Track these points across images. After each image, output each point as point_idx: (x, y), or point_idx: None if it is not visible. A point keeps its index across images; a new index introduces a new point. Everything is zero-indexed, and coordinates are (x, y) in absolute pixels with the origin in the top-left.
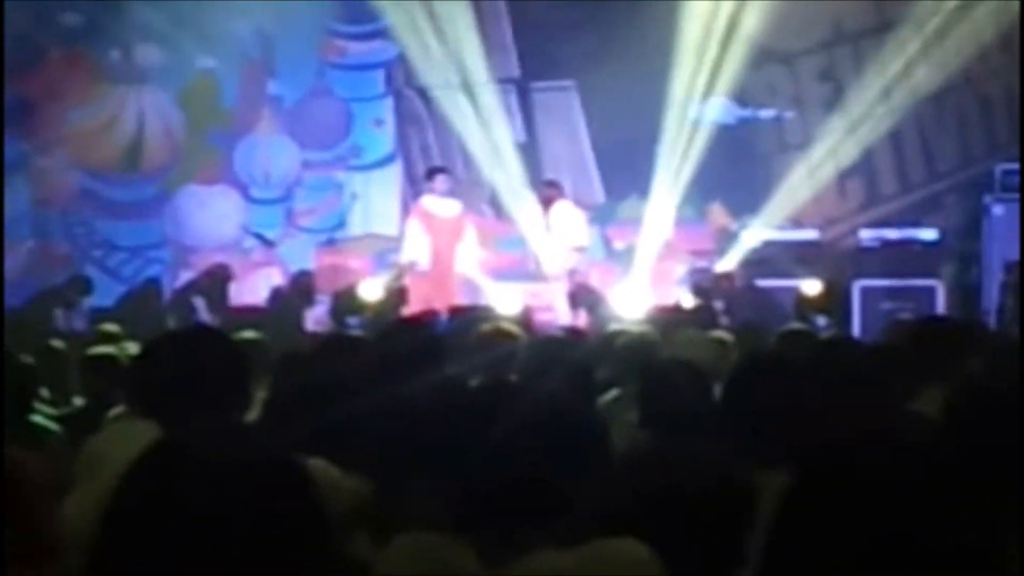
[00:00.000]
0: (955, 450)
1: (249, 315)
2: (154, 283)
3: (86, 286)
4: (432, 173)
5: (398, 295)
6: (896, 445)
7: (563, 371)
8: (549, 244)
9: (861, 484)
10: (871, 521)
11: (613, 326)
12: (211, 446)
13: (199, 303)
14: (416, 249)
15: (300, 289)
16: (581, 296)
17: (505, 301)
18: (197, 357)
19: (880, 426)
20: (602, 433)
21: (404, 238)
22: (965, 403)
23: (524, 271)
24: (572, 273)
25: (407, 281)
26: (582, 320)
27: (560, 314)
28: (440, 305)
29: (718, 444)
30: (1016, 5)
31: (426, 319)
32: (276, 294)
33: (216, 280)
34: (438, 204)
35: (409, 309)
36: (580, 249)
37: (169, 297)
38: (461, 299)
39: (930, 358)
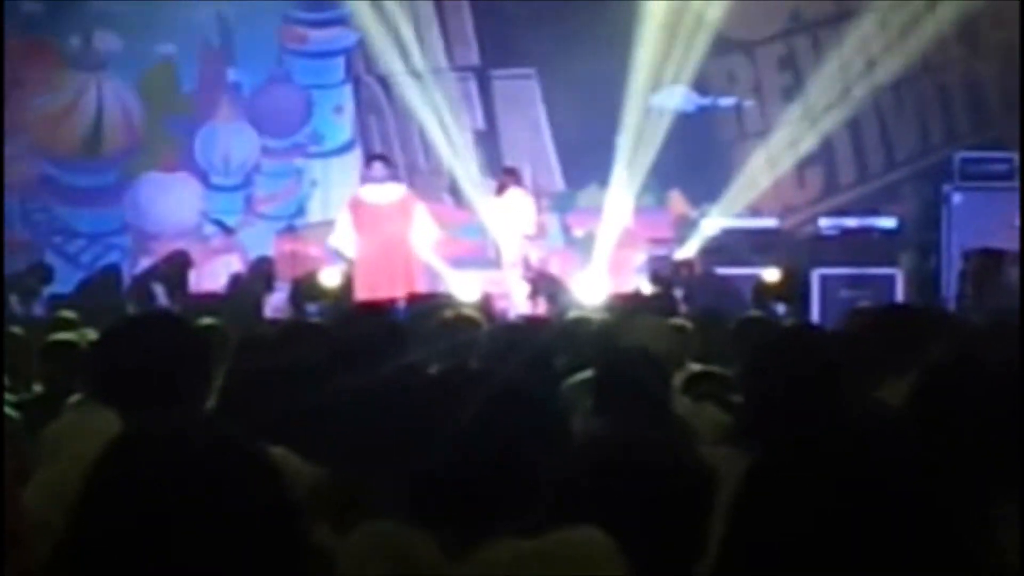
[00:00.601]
0: (919, 435)
1: (208, 301)
2: (114, 270)
3: (46, 274)
4: (369, 160)
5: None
6: (859, 429)
7: (523, 358)
8: (504, 232)
9: (822, 468)
10: (831, 506)
11: (572, 313)
12: (176, 436)
13: (158, 290)
14: (342, 239)
15: (260, 275)
16: (541, 284)
17: (465, 288)
18: (156, 344)
19: (844, 412)
20: (562, 420)
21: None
22: (930, 389)
23: (483, 259)
24: (525, 261)
25: (351, 269)
26: (541, 308)
27: (517, 302)
28: (387, 293)
29: (674, 430)
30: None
31: (385, 306)
32: (235, 280)
33: (175, 267)
34: (375, 192)
35: (356, 297)
36: (529, 237)
37: (128, 284)
38: (418, 287)
39: (894, 346)
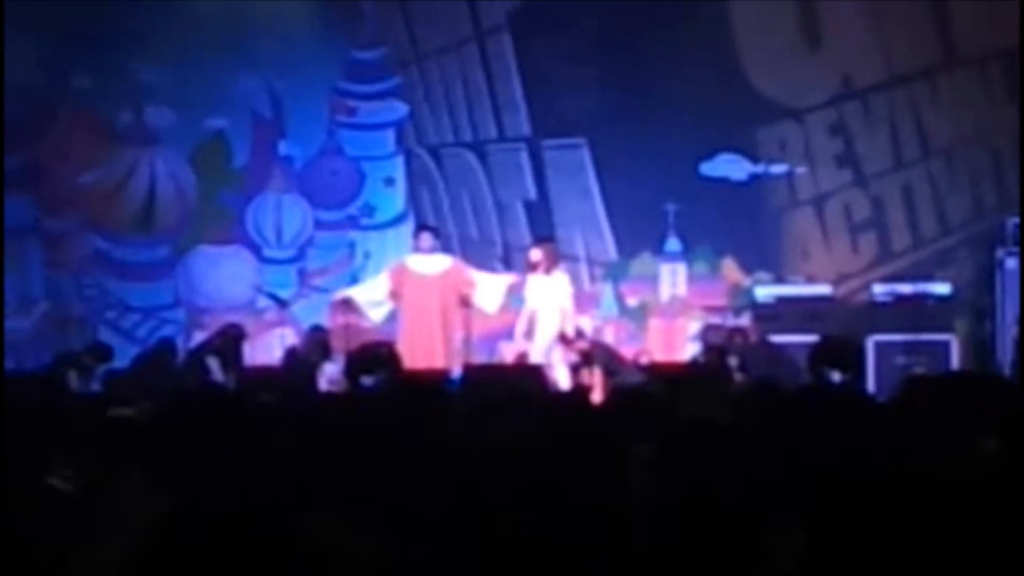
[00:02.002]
0: (989, 506)
1: (264, 375)
2: (168, 344)
3: (105, 353)
4: (418, 231)
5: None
6: (924, 502)
7: (583, 431)
8: (545, 304)
9: (883, 543)
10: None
11: (626, 382)
12: (221, 518)
13: (213, 363)
14: (364, 293)
15: (315, 344)
16: (596, 354)
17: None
18: (211, 421)
19: (906, 484)
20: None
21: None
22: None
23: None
24: (578, 331)
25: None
26: (594, 378)
27: (559, 376)
28: (430, 363)
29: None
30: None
31: (437, 376)
32: (291, 353)
33: (229, 340)
34: (422, 262)
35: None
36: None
37: (183, 358)
38: (472, 356)
39: (953, 414)
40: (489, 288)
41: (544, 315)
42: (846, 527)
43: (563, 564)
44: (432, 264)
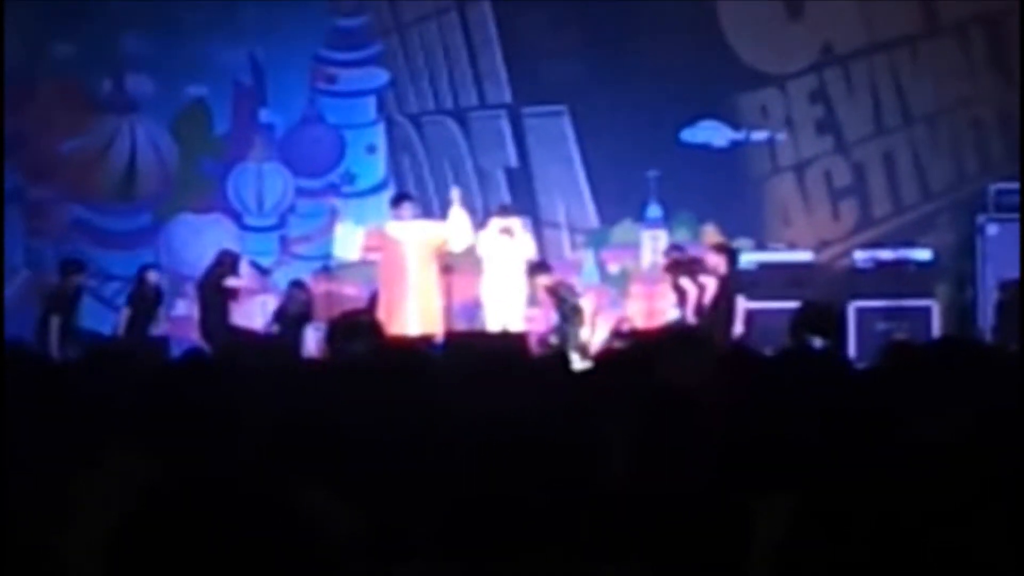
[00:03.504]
0: (972, 475)
1: (247, 339)
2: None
3: (76, 266)
4: (399, 200)
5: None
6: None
7: (558, 399)
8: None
9: (870, 511)
10: (881, 548)
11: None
12: (207, 487)
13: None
14: (344, 250)
15: (297, 304)
16: (561, 291)
17: (503, 324)
18: (196, 392)
19: (891, 454)
20: (590, 456)
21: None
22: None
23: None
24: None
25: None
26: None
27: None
28: (413, 331)
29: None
30: (1006, 27)
31: (420, 343)
32: (279, 314)
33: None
34: (401, 229)
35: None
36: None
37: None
38: (453, 324)
39: (934, 383)
40: (457, 229)
41: (513, 277)
42: (834, 494)
43: (546, 530)
44: (411, 231)
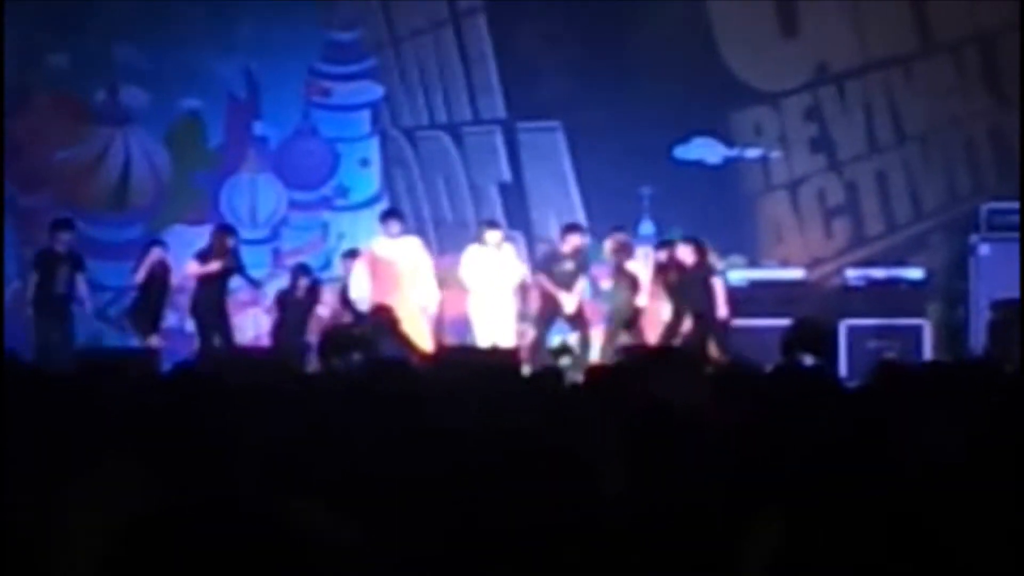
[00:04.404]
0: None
1: (249, 354)
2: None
3: (64, 224)
4: (386, 216)
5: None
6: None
7: (550, 411)
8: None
9: (865, 529)
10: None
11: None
12: (203, 508)
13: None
14: (360, 287)
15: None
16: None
17: (493, 339)
18: (191, 406)
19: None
20: (583, 472)
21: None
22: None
23: None
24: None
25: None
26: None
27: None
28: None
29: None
30: (1000, 47)
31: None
32: (281, 300)
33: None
34: (388, 247)
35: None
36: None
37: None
38: (445, 338)
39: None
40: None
41: (503, 292)
42: (825, 511)
43: (539, 547)
44: (400, 248)
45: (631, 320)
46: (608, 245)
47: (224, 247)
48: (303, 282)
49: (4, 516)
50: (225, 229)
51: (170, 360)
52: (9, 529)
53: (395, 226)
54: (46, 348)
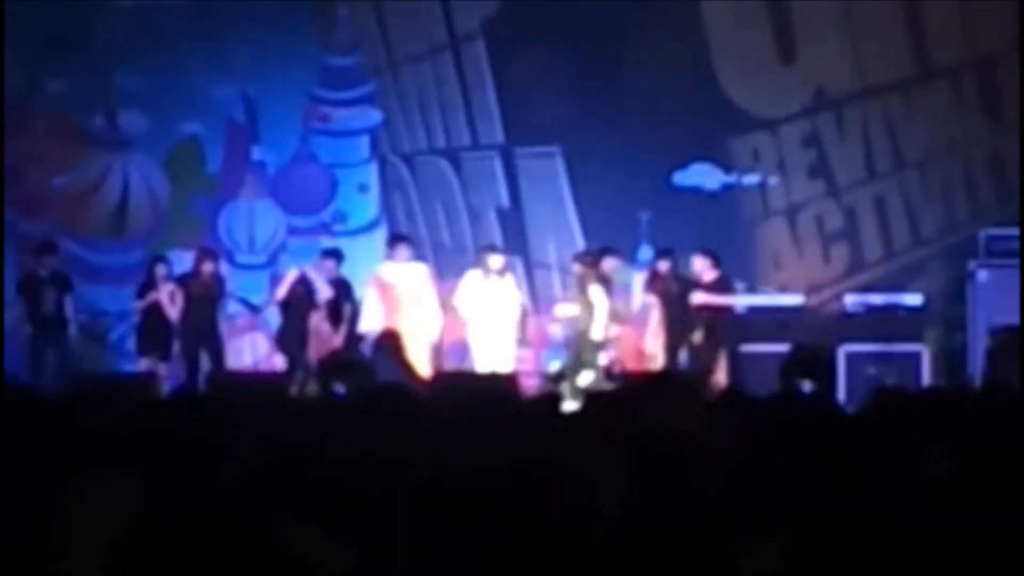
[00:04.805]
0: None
1: (238, 380)
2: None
3: (46, 247)
4: (393, 242)
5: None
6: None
7: (548, 436)
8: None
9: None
10: None
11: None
12: (195, 519)
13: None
14: (372, 318)
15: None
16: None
17: (493, 364)
18: (185, 428)
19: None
20: (586, 500)
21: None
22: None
23: None
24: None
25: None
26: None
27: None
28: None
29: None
30: (998, 73)
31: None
32: (292, 292)
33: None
34: (396, 272)
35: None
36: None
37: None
38: (445, 364)
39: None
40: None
41: (504, 317)
42: (824, 538)
43: (535, 571)
44: (407, 274)
45: (598, 345)
46: (575, 268)
47: (202, 271)
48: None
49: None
50: (205, 252)
51: (166, 386)
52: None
53: (403, 252)
54: (38, 371)
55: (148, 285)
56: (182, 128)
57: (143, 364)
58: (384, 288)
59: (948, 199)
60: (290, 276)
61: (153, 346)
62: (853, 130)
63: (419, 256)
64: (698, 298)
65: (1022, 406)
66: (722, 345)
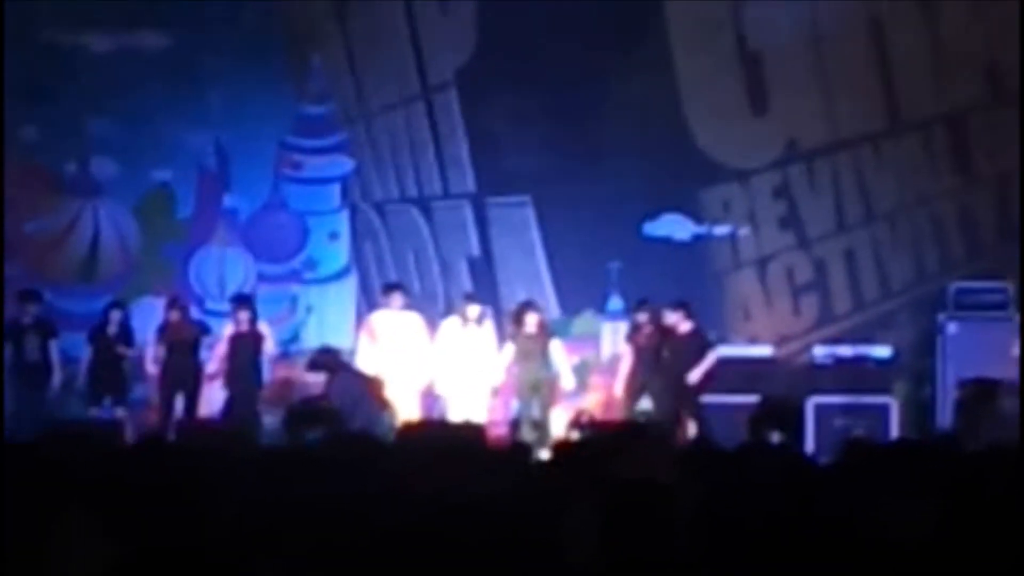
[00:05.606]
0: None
1: (206, 427)
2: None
3: (30, 295)
4: (388, 289)
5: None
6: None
7: (519, 485)
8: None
9: None
10: None
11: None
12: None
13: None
14: (363, 365)
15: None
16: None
17: (464, 413)
18: (158, 471)
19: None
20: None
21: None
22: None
23: None
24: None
25: None
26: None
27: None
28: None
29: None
30: (968, 126)
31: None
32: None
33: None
34: (388, 320)
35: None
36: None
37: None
38: (415, 412)
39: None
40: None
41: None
42: None
43: None
44: (401, 322)
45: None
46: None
47: (171, 321)
48: (244, 315)
49: None
50: (171, 302)
51: (135, 433)
52: None
53: (397, 300)
54: (18, 416)
55: (99, 328)
56: (153, 175)
57: (95, 411)
58: (373, 335)
59: (918, 252)
60: (219, 349)
61: (107, 390)
62: (824, 182)
63: (389, 304)
64: (694, 376)
65: (991, 459)
66: (691, 396)
